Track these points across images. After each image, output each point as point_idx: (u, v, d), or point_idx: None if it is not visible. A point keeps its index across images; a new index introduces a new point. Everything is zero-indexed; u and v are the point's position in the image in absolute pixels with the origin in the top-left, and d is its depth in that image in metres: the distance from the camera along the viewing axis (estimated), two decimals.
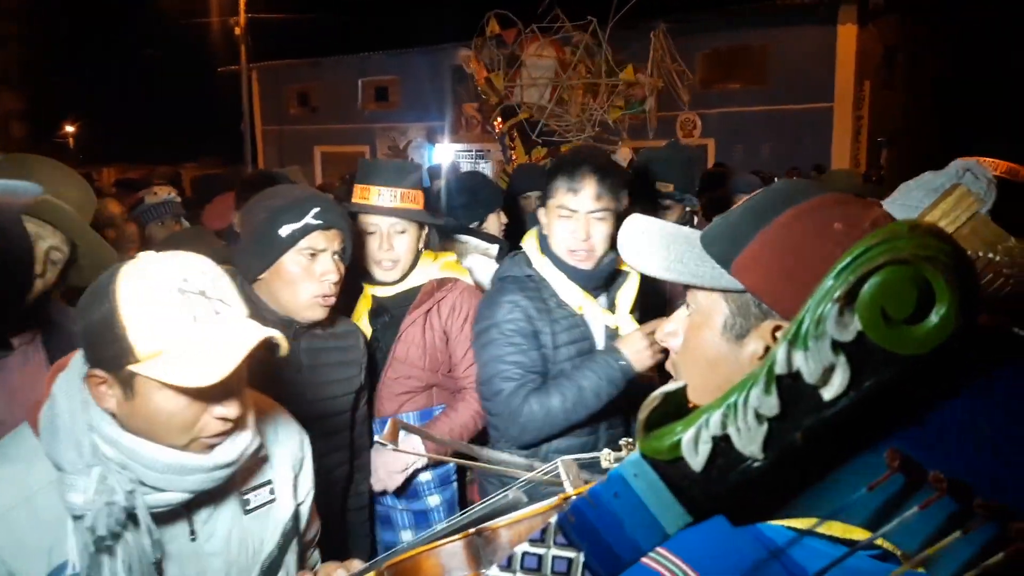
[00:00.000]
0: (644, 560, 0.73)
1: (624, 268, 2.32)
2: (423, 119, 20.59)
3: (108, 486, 1.17)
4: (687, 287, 0.94)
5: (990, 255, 1.58)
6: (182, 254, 1.23)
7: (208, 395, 1.20)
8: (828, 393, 0.64)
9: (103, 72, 32.30)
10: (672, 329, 0.97)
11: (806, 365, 0.64)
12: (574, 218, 2.15)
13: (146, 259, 1.21)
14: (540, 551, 0.83)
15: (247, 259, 1.97)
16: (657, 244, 0.93)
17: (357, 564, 1.39)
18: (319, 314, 1.99)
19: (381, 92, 22.31)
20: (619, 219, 2.20)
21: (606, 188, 2.13)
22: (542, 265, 2.23)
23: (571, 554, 0.81)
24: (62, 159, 2.28)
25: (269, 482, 1.45)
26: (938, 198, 1.65)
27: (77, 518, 1.18)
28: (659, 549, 0.73)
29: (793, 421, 0.66)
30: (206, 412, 1.22)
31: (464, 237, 3.11)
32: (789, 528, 0.71)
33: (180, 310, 1.15)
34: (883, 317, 0.61)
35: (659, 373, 2.36)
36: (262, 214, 1.95)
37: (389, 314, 2.40)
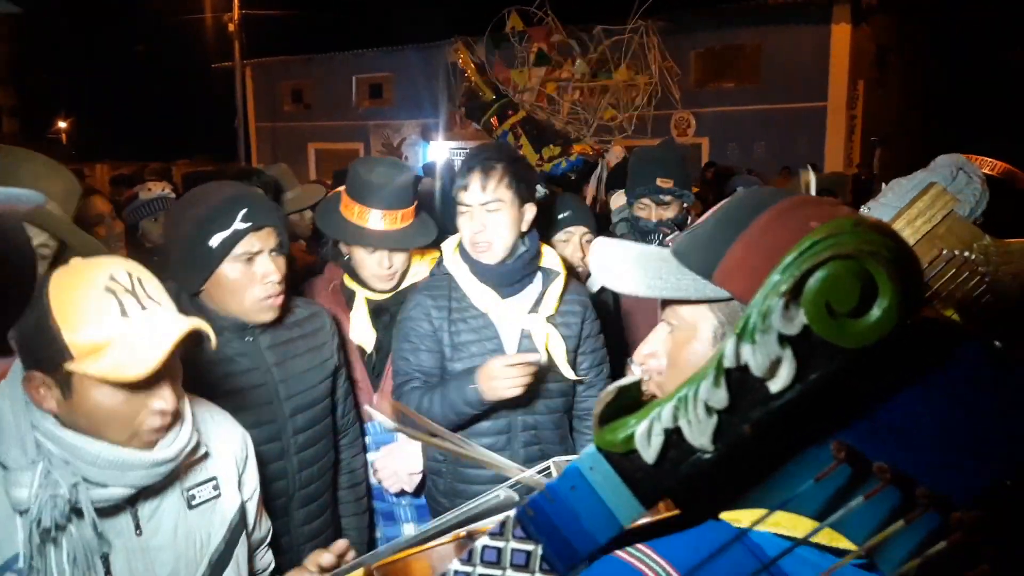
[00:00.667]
0: (626, 558, 0.74)
1: (548, 266, 2.30)
2: (417, 116, 20.57)
3: (52, 480, 1.22)
4: (665, 304, 0.92)
5: (966, 254, 1.59)
6: (108, 257, 1.30)
7: (144, 389, 1.25)
8: (775, 386, 0.65)
9: (96, 68, 32.15)
10: (651, 351, 0.93)
11: (753, 358, 0.65)
12: (469, 212, 2.18)
13: (74, 263, 1.27)
14: (499, 544, 0.84)
15: (182, 274, 1.88)
16: (632, 265, 0.90)
17: (342, 544, 1.41)
18: (269, 316, 1.93)
19: (375, 89, 22.28)
20: (521, 209, 2.20)
21: (494, 179, 2.14)
22: (452, 263, 2.25)
23: (529, 547, 0.82)
24: (54, 155, 2.26)
25: (213, 478, 1.50)
26: (914, 196, 1.66)
27: (23, 513, 1.21)
28: (641, 547, 0.73)
29: (741, 414, 0.67)
30: (144, 406, 1.27)
31: None
32: (781, 536, 0.72)
33: (108, 306, 1.20)
34: (827, 311, 0.62)
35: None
36: (187, 225, 1.85)
37: (389, 314, 2.42)
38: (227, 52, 21.23)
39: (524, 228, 2.24)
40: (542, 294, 2.26)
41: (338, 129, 22.11)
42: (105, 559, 1.30)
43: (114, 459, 1.25)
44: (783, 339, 0.64)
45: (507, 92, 9.27)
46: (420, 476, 2.35)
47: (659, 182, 2.98)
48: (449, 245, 2.30)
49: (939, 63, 19.00)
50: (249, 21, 20.88)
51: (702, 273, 0.83)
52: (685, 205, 3.05)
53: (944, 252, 1.60)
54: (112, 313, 1.20)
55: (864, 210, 1.95)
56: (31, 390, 1.25)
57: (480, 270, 2.21)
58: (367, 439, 2.45)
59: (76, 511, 1.24)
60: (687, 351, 0.87)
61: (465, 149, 19.04)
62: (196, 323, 1.27)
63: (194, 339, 1.28)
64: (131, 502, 1.34)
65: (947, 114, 18.21)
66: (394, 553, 1.09)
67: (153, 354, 1.19)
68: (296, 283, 2.47)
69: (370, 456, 2.44)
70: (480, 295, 2.21)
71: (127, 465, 1.26)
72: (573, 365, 2.29)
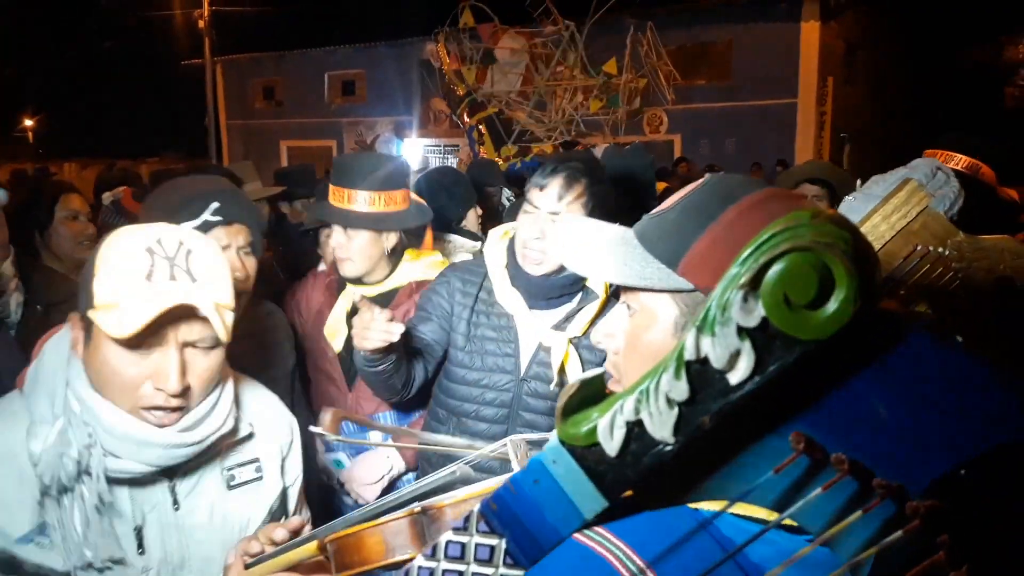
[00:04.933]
0: (585, 541, 0.73)
1: (590, 285, 2.13)
2: (390, 113, 20.51)
3: (66, 438, 1.21)
4: (627, 289, 0.89)
5: (940, 250, 1.60)
6: (175, 226, 1.27)
7: (149, 362, 1.22)
8: (734, 378, 0.65)
9: (64, 65, 31.64)
10: (610, 331, 0.92)
11: (713, 350, 0.65)
12: (534, 215, 2.03)
13: (144, 224, 1.26)
14: (463, 539, 0.83)
15: None
16: (601, 250, 0.89)
17: (296, 521, 1.35)
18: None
19: (348, 86, 22.18)
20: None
21: (572, 193, 2.00)
22: (492, 255, 2.16)
23: (493, 541, 0.81)
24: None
25: (256, 460, 1.47)
26: (889, 193, 1.67)
27: (36, 467, 1.21)
28: (599, 529, 0.73)
29: (702, 405, 0.67)
30: (147, 380, 1.23)
31: (449, 236, 3.10)
32: (737, 516, 0.72)
33: (139, 266, 1.19)
34: (785, 303, 0.62)
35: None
36: (159, 212, 1.76)
37: None
38: (197, 49, 21.03)
39: None
40: (574, 312, 2.11)
41: (310, 126, 21.99)
42: (139, 531, 1.29)
43: (128, 432, 1.23)
44: (742, 331, 0.64)
45: (472, 89, 9.28)
46: (380, 487, 2.31)
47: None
48: (496, 233, 2.20)
49: (905, 60, 19.29)
50: (219, 17, 20.68)
51: (667, 262, 0.81)
52: None
53: (919, 248, 1.60)
54: (139, 274, 1.18)
55: (850, 199, 1.97)
56: (72, 329, 1.26)
57: (516, 274, 2.09)
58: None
59: (88, 474, 1.22)
60: (646, 337, 0.85)
61: (439, 146, 18.99)
62: (202, 299, 1.20)
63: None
64: (168, 476, 1.32)
65: (912, 109, 18.49)
66: (347, 527, 1.08)
67: (135, 319, 1.15)
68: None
69: (333, 456, 2.44)
70: (508, 298, 2.10)
71: (141, 441, 1.24)
72: None
